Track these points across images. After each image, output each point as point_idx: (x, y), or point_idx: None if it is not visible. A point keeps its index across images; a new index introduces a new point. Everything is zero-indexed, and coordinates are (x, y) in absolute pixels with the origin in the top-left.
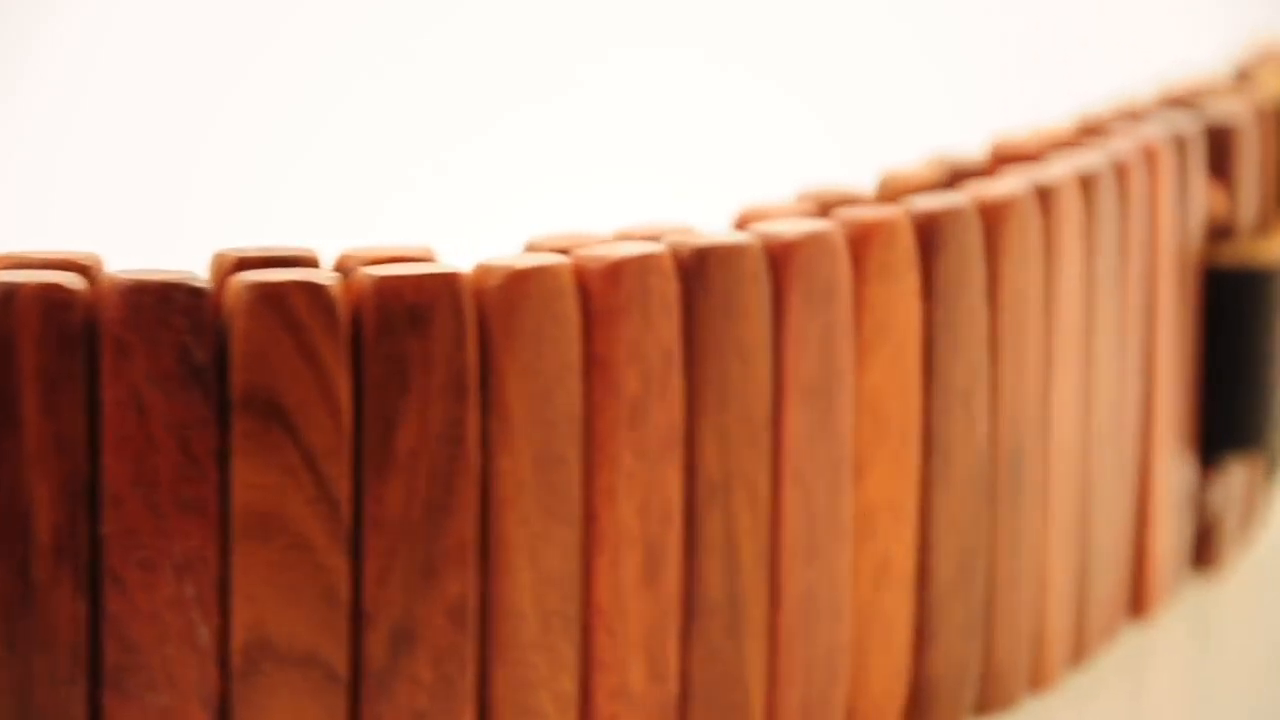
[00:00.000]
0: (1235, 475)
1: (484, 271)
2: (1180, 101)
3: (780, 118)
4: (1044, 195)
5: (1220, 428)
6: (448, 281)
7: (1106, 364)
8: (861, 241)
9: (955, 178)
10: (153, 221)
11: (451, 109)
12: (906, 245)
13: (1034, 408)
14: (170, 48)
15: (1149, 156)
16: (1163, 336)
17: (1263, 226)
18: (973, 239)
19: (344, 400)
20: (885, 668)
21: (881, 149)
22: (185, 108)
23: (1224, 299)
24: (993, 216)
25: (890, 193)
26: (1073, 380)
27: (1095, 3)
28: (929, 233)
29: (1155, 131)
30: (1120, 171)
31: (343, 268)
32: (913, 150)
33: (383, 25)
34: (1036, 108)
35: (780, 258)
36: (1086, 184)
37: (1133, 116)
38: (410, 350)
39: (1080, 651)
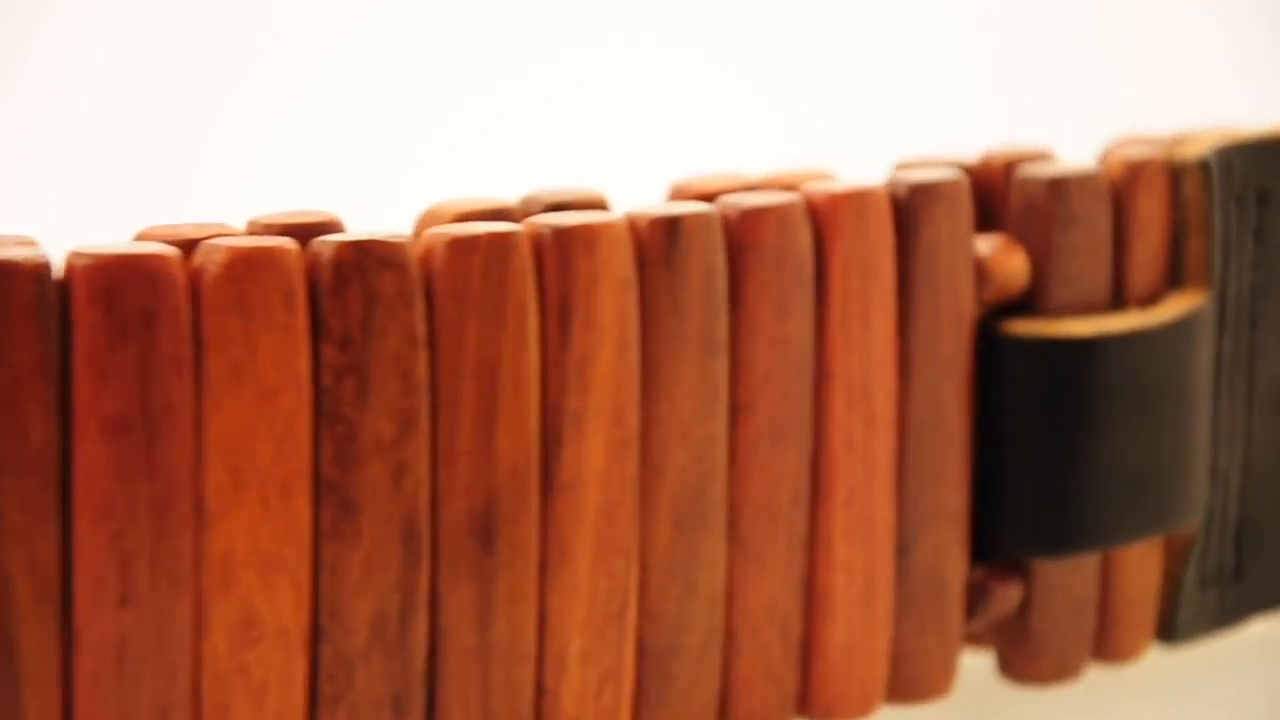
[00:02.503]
0: (1071, 575)
1: None
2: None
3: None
4: (553, 240)
5: (1019, 521)
6: None
7: (694, 429)
8: (224, 274)
9: (499, 215)
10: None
11: (416, 96)
12: (282, 284)
13: (522, 468)
14: (161, 43)
15: (820, 210)
16: (848, 407)
17: (1113, 299)
18: (396, 283)
19: None
20: None
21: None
22: (179, 101)
23: (1017, 375)
24: (439, 260)
25: (430, 222)
26: (611, 441)
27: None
28: (331, 272)
29: (861, 184)
30: (732, 221)
31: None
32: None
33: (350, 21)
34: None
35: (78, 282)
36: (648, 230)
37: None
38: None
39: None
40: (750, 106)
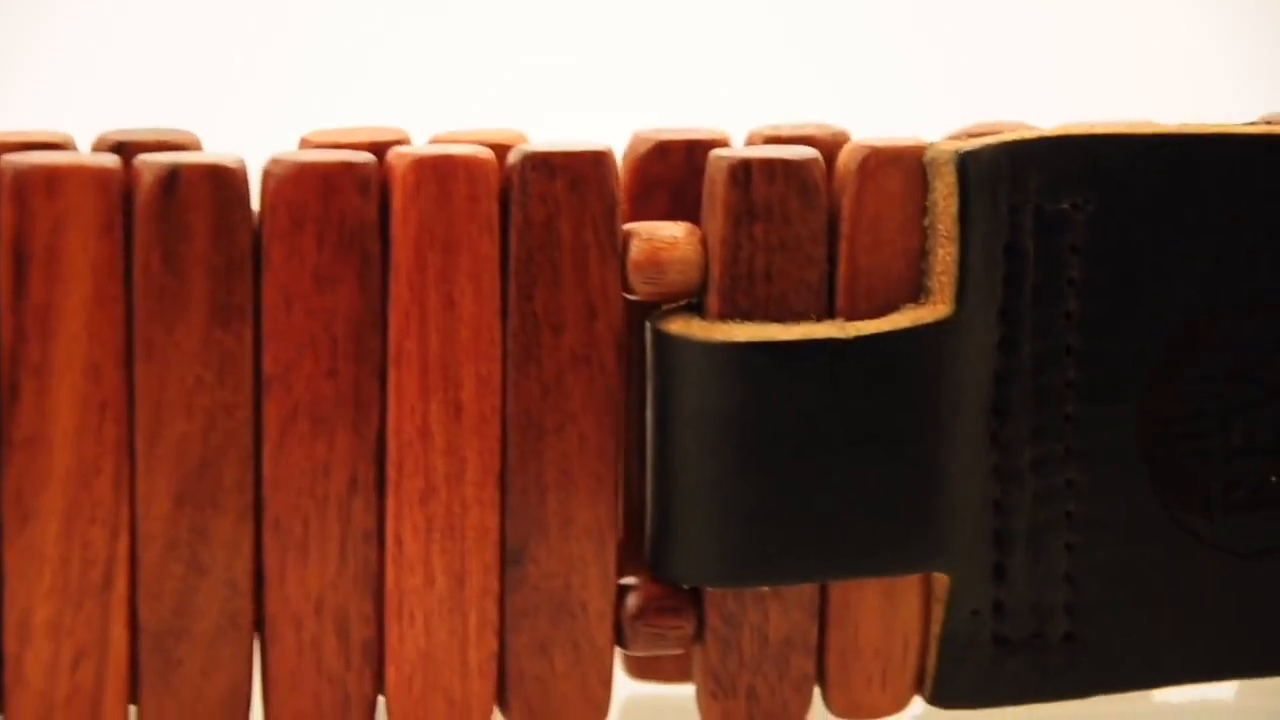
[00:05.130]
0: (765, 610)
1: None
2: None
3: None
4: (11, 180)
5: (685, 544)
6: None
7: (201, 397)
8: None
9: None
10: None
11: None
12: None
13: None
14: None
15: (395, 176)
16: (424, 394)
17: (828, 306)
18: None
19: None
20: None
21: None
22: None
23: (679, 381)
24: None
25: None
26: (85, 400)
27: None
28: None
29: (457, 151)
30: (270, 180)
31: None
32: None
33: None
34: None
35: None
36: (146, 179)
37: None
38: None
39: None
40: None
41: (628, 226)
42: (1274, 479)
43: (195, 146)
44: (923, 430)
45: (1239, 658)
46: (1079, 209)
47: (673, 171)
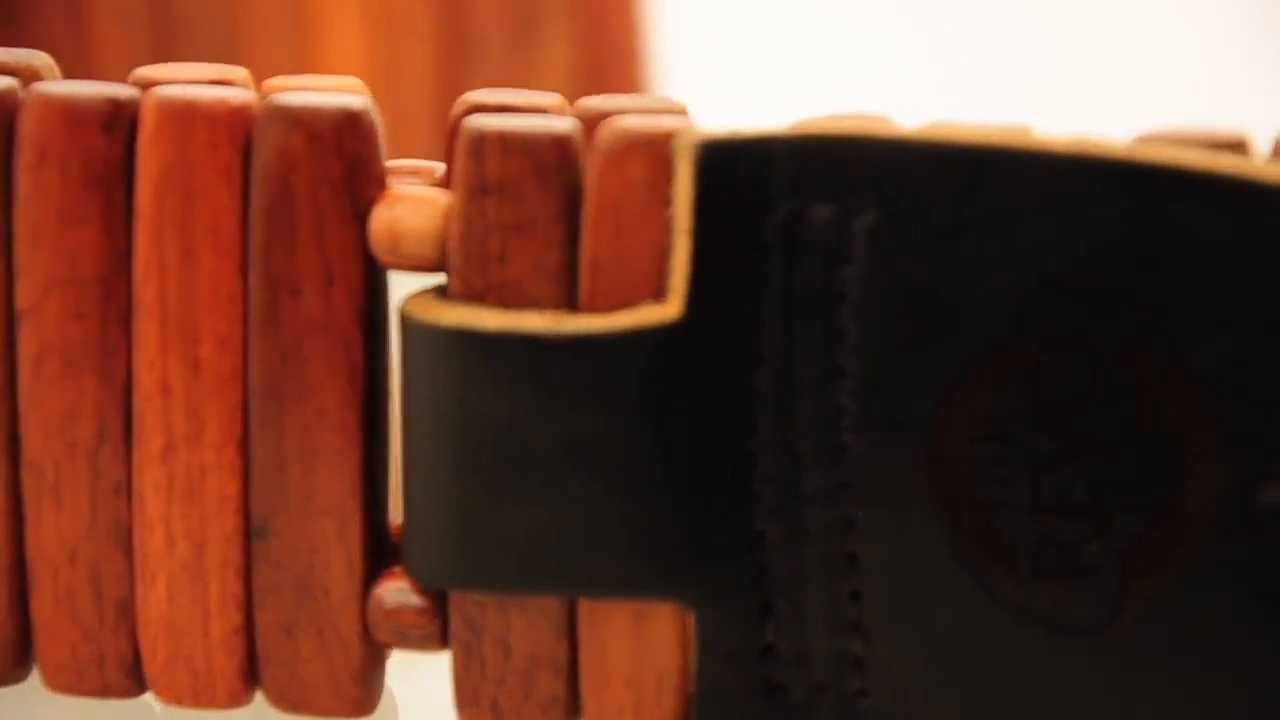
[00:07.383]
0: (508, 620)
1: None
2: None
3: None
4: None
5: (416, 537)
6: None
7: None
8: None
9: None
10: None
11: None
12: None
13: None
14: None
15: (143, 117)
16: (163, 347)
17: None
18: None
19: None
20: None
21: None
22: None
23: (409, 362)
24: None
25: None
26: None
27: None
28: None
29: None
30: (25, 111)
31: None
32: None
33: None
34: None
35: None
36: None
37: None
38: None
39: None
40: None
41: (391, 190)
42: (1096, 547)
43: (33, 74)
44: (643, 445)
45: None
46: (855, 217)
47: None
